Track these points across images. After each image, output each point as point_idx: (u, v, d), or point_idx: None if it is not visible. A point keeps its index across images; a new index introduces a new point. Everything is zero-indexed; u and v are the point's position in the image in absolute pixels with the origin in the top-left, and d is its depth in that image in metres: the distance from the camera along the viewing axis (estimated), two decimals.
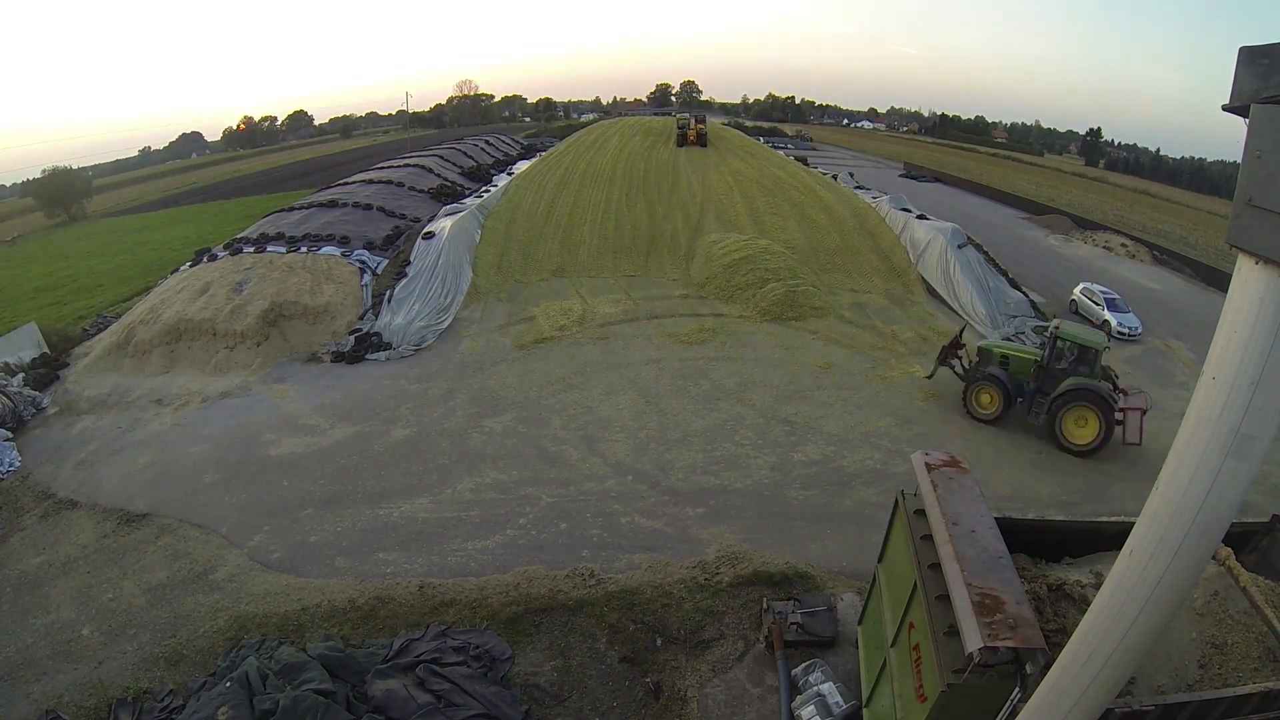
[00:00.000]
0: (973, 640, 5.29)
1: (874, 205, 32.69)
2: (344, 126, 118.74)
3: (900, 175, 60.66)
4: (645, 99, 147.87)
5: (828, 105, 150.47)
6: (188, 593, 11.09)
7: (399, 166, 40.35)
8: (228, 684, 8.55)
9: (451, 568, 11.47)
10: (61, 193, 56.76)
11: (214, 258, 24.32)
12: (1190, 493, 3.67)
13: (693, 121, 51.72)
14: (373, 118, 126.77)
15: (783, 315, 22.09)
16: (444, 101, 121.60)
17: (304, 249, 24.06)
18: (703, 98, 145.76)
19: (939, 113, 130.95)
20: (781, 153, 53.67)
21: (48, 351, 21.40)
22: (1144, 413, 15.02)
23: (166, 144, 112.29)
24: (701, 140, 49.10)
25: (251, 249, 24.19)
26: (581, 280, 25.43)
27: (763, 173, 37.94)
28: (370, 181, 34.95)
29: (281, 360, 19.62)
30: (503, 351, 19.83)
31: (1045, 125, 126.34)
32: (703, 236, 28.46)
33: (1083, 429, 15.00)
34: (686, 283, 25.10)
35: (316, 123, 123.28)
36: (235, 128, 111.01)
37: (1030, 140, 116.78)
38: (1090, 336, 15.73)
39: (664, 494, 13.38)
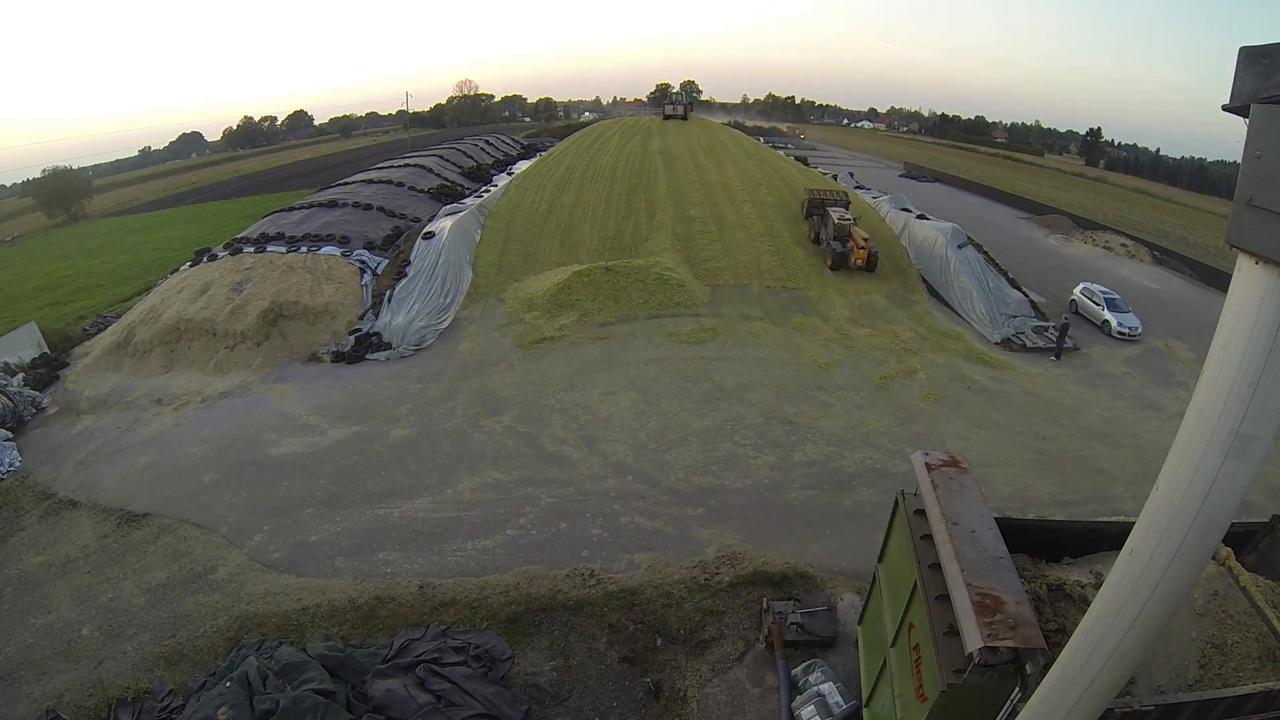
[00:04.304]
0: (973, 640, 5.29)
1: (874, 205, 32.70)
2: (344, 126, 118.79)
3: (900, 175, 60.66)
4: (645, 99, 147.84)
5: (828, 105, 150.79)
6: (188, 593, 11.09)
7: (399, 166, 40.33)
8: (228, 684, 8.56)
9: (451, 568, 11.47)
10: (61, 193, 56.81)
11: (214, 258, 24.33)
12: (1190, 493, 3.67)
13: None
14: (373, 118, 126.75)
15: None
16: (444, 101, 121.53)
17: (304, 249, 24.06)
18: (703, 98, 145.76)
19: (939, 113, 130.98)
20: (781, 153, 53.65)
21: (48, 351, 21.41)
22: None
23: (166, 144, 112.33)
24: None
25: (251, 249, 24.19)
26: None
27: (766, 172, 37.91)
28: (370, 181, 34.94)
29: (281, 360, 19.63)
30: (503, 351, 19.83)
31: (1045, 125, 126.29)
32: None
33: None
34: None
35: (316, 123, 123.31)
36: (243, 127, 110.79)
37: (1030, 140, 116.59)
38: None
39: (664, 494, 13.38)
